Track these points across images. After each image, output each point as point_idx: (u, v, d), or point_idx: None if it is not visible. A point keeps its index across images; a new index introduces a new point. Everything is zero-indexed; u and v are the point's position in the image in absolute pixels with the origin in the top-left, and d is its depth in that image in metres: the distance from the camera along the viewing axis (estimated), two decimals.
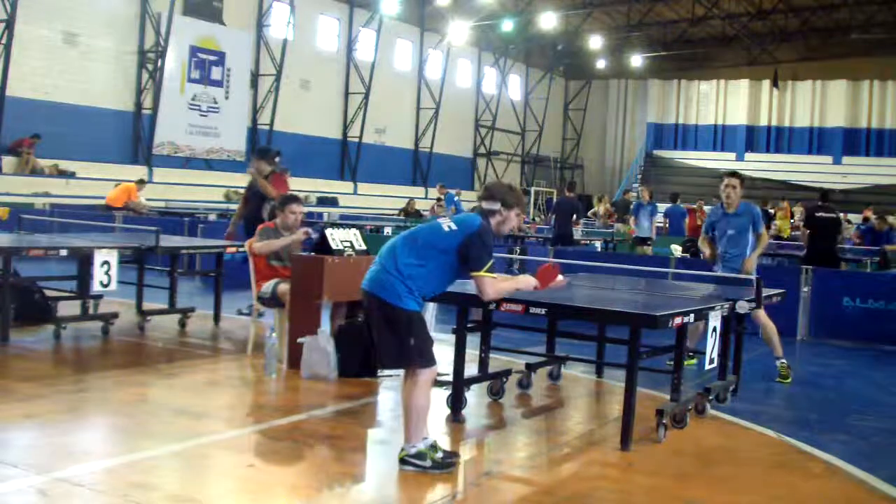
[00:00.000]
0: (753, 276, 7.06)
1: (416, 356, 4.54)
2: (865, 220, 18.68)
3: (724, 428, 5.99)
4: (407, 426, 4.61)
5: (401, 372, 6.83)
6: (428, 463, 4.57)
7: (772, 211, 21.16)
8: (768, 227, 19.27)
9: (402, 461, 4.60)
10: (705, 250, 7.99)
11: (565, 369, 7.31)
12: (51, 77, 21.48)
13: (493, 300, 4.80)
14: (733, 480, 4.86)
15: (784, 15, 34.00)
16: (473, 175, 37.45)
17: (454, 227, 4.57)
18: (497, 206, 4.67)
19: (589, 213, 24.42)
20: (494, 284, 4.66)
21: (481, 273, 4.55)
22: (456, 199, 20.68)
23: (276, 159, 9.48)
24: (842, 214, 16.11)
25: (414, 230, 4.69)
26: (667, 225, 19.94)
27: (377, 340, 4.64)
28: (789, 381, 7.55)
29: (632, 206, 19.89)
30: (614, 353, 6.83)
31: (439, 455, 4.61)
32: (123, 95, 23.61)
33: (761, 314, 7.38)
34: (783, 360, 7.61)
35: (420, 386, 4.57)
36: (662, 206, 20.04)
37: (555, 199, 25.78)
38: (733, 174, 7.95)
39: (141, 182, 18.47)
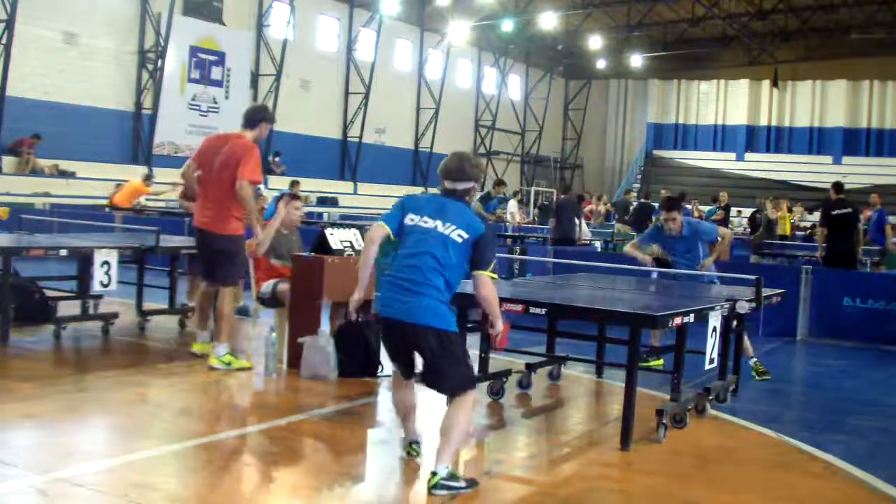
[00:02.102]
0: (711, 273, 7.55)
1: (474, 376, 4.52)
2: (867, 219, 18.62)
3: (724, 428, 5.99)
4: (448, 447, 4.34)
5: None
6: (462, 483, 4.34)
7: (772, 213, 21.13)
8: (771, 230, 19.24)
9: (438, 486, 4.27)
10: (638, 255, 7.81)
11: (565, 369, 7.31)
12: (51, 77, 21.48)
13: (486, 299, 4.59)
14: (733, 480, 4.86)
15: (784, 15, 33.96)
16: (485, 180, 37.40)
17: (465, 234, 4.47)
18: (471, 184, 4.64)
19: (587, 212, 24.39)
20: (495, 287, 4.58)
21: (487, 272, 4.51)
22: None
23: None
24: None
25: (430, 248, 4.47)
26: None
27: (436, 370, 4.45)
28: (768, 376, 7.56)
29: (634, 207, 19.88)
30: (614, 353, 6.84)
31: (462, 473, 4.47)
32: (123, 95, 23.61)
33: None
34: (756, 360, 7.66)
35: (471, 406, 4.49)
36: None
37: (554, 201, 25.75)
38: (670, 206, 7.81)
39: (147, 178, 18.40)
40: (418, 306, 4.39)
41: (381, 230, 4.58)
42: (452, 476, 4.33)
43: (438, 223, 4.50)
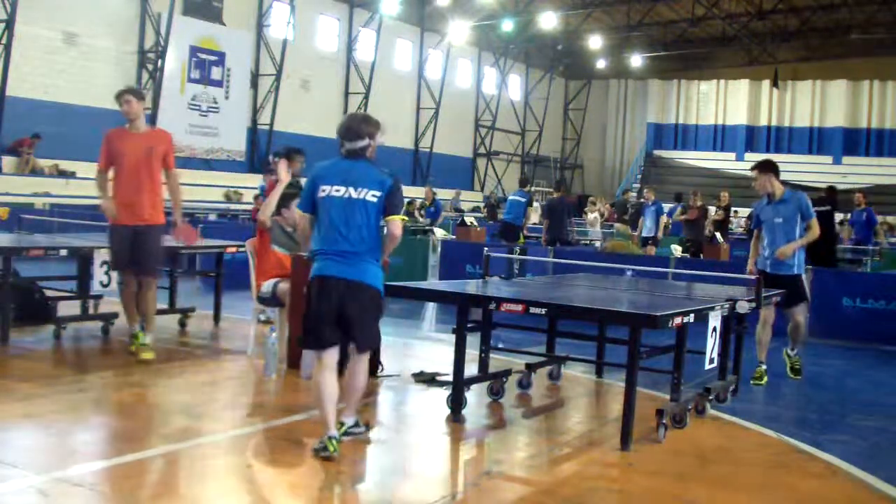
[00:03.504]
0: (798, 267, 7.40)
1: (380, 335, 5.03)
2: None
3: (724, 428, 5.99)
4: (352, 400, 4.97)
5: (399, 372, 6.84)
6: (362, 428, 5.09)
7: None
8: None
9: (347, 434, 4.90)
10: (752, 257, 7.71)
11: (565, 369, 7.31)
12: (51, 77, 21.48)
13: (395, 237, 4.91)
14: (733, 480, 4.86)
15: (784, 15, 33.97)
16: (473, 175, 37.45)
17: (378, 193, 4.82)
18: (367, 141, 4.96)
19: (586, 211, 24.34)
20: (402, 226, 4.95)
21: (398, 217, 4.87)
22: (441, 204, 19.96)
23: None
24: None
25: (352, 218, 4.77)
26: (669, 224, 19.89)
27: (361, 325, 4.77)
28: (800, 377, 7.68)
29: (630, 207, 19.91)
30: (614, 354, 6.83)
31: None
32: None
33: (800, 313, 7.55)
34: (797, 354, 7.75)
35: (367, 362, 4.97)
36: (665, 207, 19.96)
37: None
38: (754, 166, 7.69)
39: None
40: (354, 269, 4.74)
41: (305, 220, 4.98)
42: (357, 423, 5.04)
43: (351, 190, 4.81)
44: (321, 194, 4.83)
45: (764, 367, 7.50)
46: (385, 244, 4.91)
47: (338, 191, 4.80)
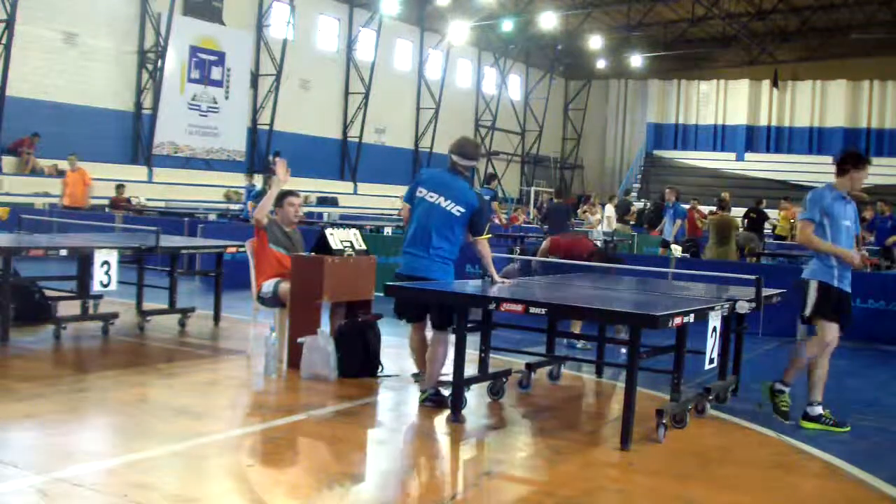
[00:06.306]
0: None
1: (452, 318, 5.78)
2: (863, 220, 18.43)
3: (724, 428, 5.99)
4: (430, 374, 5.88)
5: (399, 372, 6.87)
6: (440, 398, 5.83)
7: (775, 212, 21.02)
8: (761, 230, 19.08)
9: (426, 399, 5.84)
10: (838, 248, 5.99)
11: (565, 369, 7.31)
12: (51, 77, 21.50)
13: (483, 255, 5.98)
14: (733, 480, 4.86)
15: (784, 15, 33.99)
16: (474, 175, 37.41)
17: (462, 209, 5.77)
18: (473, 162, 6.01)
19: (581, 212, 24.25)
20: (488, 245, 6.03)
21: (483, 236, 5.92)
22: None
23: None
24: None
25: (434, 221, 5.78)
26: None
27: (433, 309, 5.86)
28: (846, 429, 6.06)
29: (651, 207, 19.69)
30: (614, 354, 6.83)
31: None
32: (123, 95, 23.62)
33: (814, 346, 6.18)
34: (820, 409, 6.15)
35: (446, 342, 5.83)
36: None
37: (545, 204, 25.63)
38: (857, 160, 6.15)
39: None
40: (422, 265, 5.82)
41: (406, 209, 6.06)
42: (437, 393, 5.85)
43: (441, 199, 5.78)
44: (418, 194, 5.86)
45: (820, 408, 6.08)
46: (482, 261, 6.04)
47: (431, 196, 5.80)
